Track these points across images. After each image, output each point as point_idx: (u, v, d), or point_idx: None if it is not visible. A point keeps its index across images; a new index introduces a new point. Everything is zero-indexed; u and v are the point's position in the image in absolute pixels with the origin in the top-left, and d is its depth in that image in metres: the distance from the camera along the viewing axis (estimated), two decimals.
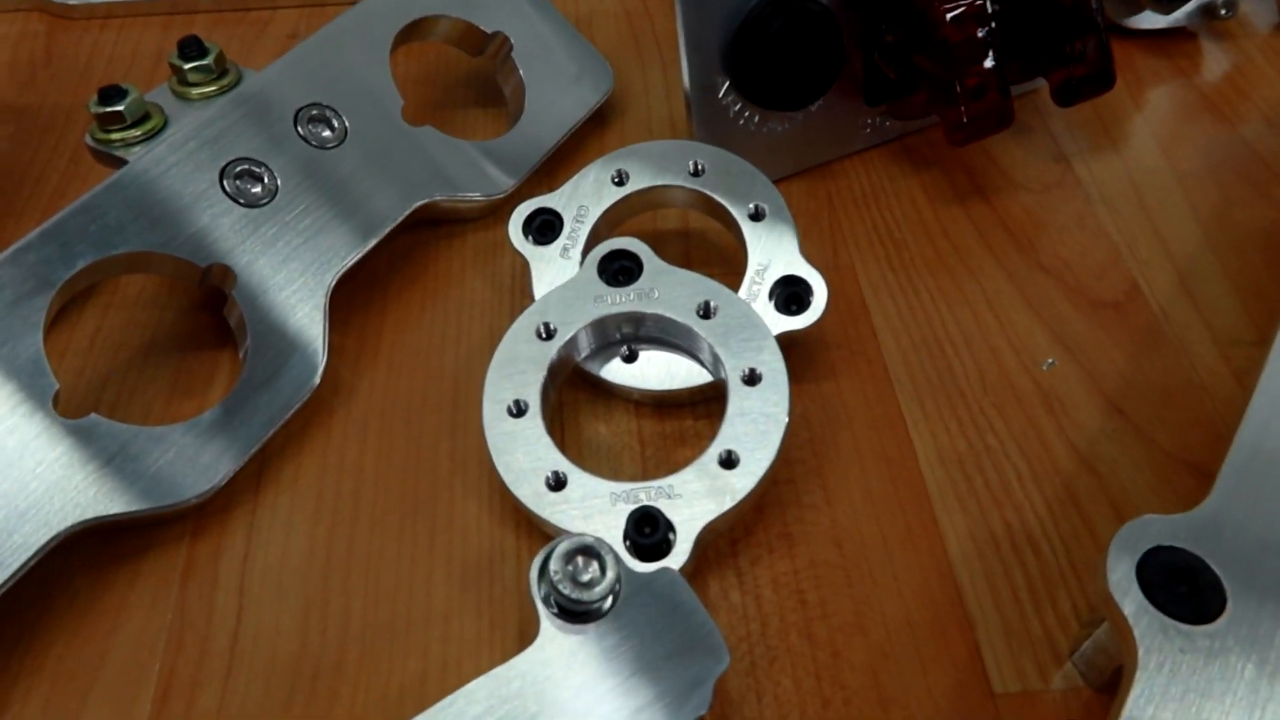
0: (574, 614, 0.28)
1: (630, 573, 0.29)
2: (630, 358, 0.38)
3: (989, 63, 0.43)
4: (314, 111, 0.42)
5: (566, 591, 0.27)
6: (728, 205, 0.40)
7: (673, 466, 0.35)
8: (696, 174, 0.40)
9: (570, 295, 0.37)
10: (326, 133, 0.42)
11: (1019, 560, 0.35)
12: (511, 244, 0.40)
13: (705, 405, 0.39)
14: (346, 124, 0.42)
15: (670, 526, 0.32)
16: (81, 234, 0.35)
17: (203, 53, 0.43)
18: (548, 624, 0.28)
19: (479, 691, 0.27)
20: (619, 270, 0.37)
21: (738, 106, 0.44)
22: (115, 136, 0.41)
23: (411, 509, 0.36)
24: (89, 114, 0.42)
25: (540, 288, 0.40)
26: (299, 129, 0.41)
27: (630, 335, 0.38)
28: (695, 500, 0.33)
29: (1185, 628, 0.27)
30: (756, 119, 0.45)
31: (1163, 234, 0.46)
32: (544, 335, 0.36)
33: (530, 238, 0.40)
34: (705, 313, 0.36)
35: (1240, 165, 0.49)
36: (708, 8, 0.42)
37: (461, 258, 0.45)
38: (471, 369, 0.40)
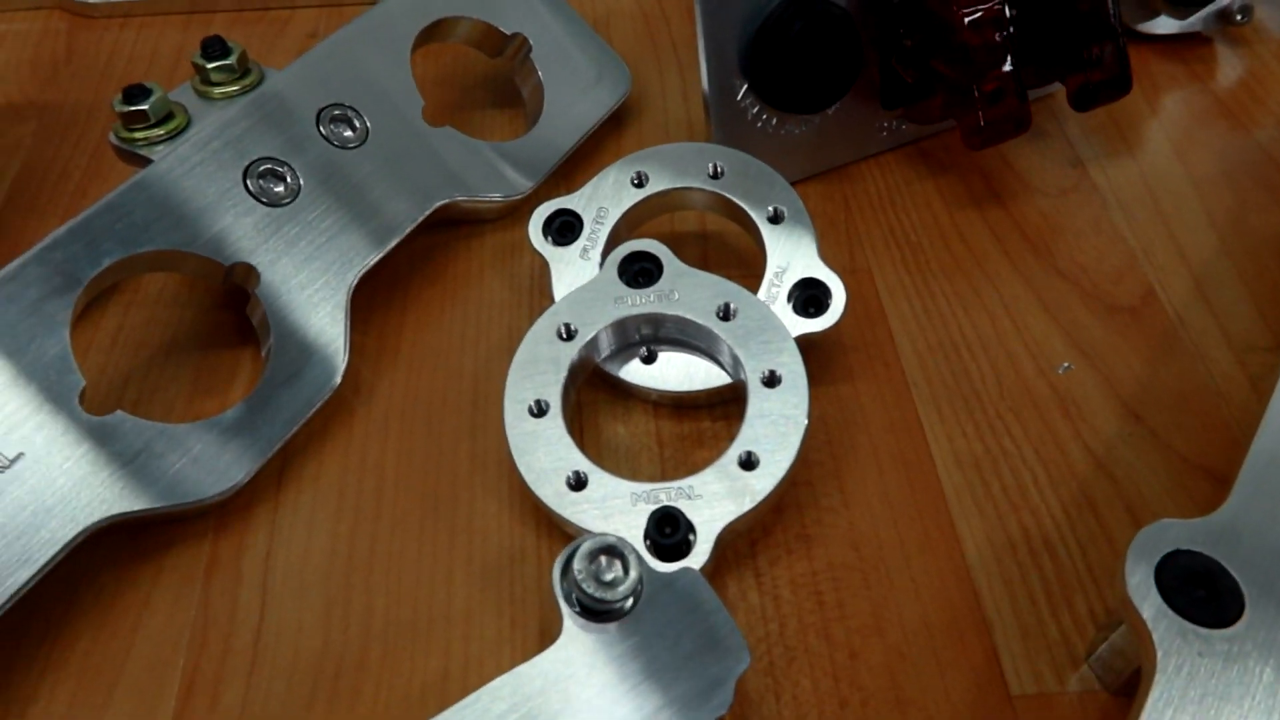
0: (596, 613, 0.28)
1: (652, 572, 0.29)
2: (649, 359, 0.38)
3: (1006, 67, 0.43)
4: (336, 112, 0.42)
5: (590, 590, 0.28)
6: (747, 208, 0.40)
7: (690, 467, 0.36)
8: (716, 176, 0.41)
9: (591, 296, 0.37)
10: (348, 133, 0.42)
11: (1035, 564, 0.35)
12: (531, 245, 0.41)
13: (723, 407, 0.39)
14: (368, 124, 0.43)
15: (691, 527, 0.32)
16: (108, 232, 0.36)
17: (226, 52, 0.43)
18: (570, 623, 0.28)
19: (503, 689, 0.27)
20: (639, 272, 0.37)
21: (755, 109, 0.45)
22: (139, 135, 0.41)
23: (432, 508, 0.36)
24: (111, 112, 0.42)
25: (560, 288, 0.40)
26: (321, 129, 0.42)
27: (650, 336, 0.38)
28: (715, 501, 0.33)
29: (1204, 631, 0.27)
30: (774, 121, 0.45)
31: (1178, 239, 0.46)
32: (565, 336, 0.36)
33: (550, 239, 0.41)
34: (725, 315, 0.36)
35: (1256, 170, 0.49)
36: (727, 11, 0.42)
37: (480, 258, 0.45)
38: (491, 369, 0.40)
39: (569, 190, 0.42)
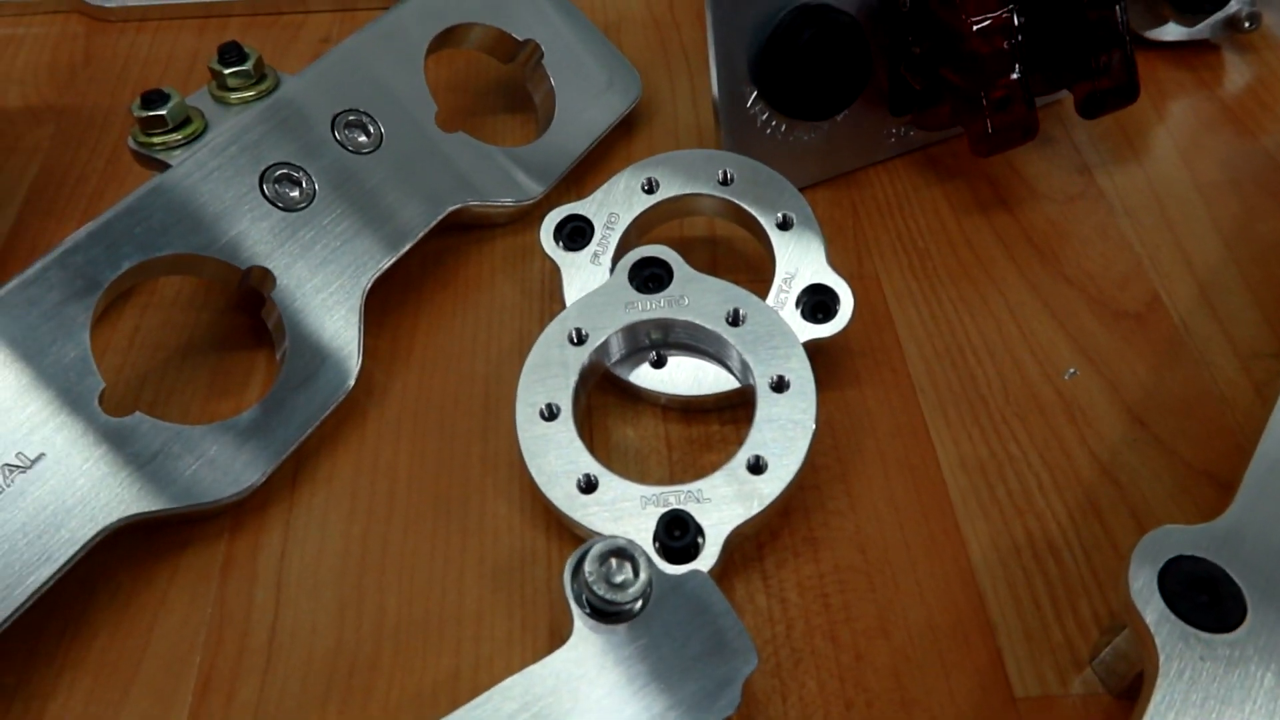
0: (606, 614, 0.29)
1: (661, 575, 0.29)
2: (659, 363, 0.39)
3: (1014, 75, 0.43)
4: (350, 117, 0.43)
5: (600, 592, 0.28)
6: (756, 214, 0.40)
7: (699, 471, 0.36)
8: (725, 183, 0.41)
9: (601, 301, 0.38)
10: (362, 138, 0.43)
11: (1040, 567, 0.35)
12: (543, 249, 0.41)
13: (731, 411, 0.39)
14: (381, 130, 0.43)
15: (699, 530, 0.33)
16: (127, 236, 0.36)
17: (242, 58, 0.44)
18: (580, 624, 0.29)
19: (514, 689, 0.27)
20: (649, 277, 0.38)
21: (765, 115, 0.45)
22: (157, 140, 0.41)
23: (444, 509, 0.37)
24: (128, 116, 0.42)
25: (571, 293, 0.40)
26: (336, 134, 0.42)
27: (659, 341, 0.38)
28: (724, 504, 0.33)
29: (1206, 636, 0.27)
30: (783, 128, 0.46)
31: (1184, 246, 0.46)
32: (575, 340, 0.37)
33: (561, 244, 0.41)
34: (734, 320, 0.37)
35: (1263, 177, 0.50)
36: (737, 18, 0.43)
37: (492, 263, 0.46)
38: (502, 372, 0.41)
39: (580, 195, 0.43)
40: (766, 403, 0.35)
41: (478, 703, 0.27)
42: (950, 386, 0.41)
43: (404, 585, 0.35)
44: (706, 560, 0.32)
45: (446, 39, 0.47)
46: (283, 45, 0.58)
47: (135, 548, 0.36)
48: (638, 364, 0.39)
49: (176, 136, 0.41)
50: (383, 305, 0.43)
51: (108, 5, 0.60)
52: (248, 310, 0.43)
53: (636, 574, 0.28)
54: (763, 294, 0.39)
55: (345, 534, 0.36)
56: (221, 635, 0.34)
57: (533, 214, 0.45)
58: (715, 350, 0.38)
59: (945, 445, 0.39)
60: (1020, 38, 0.43)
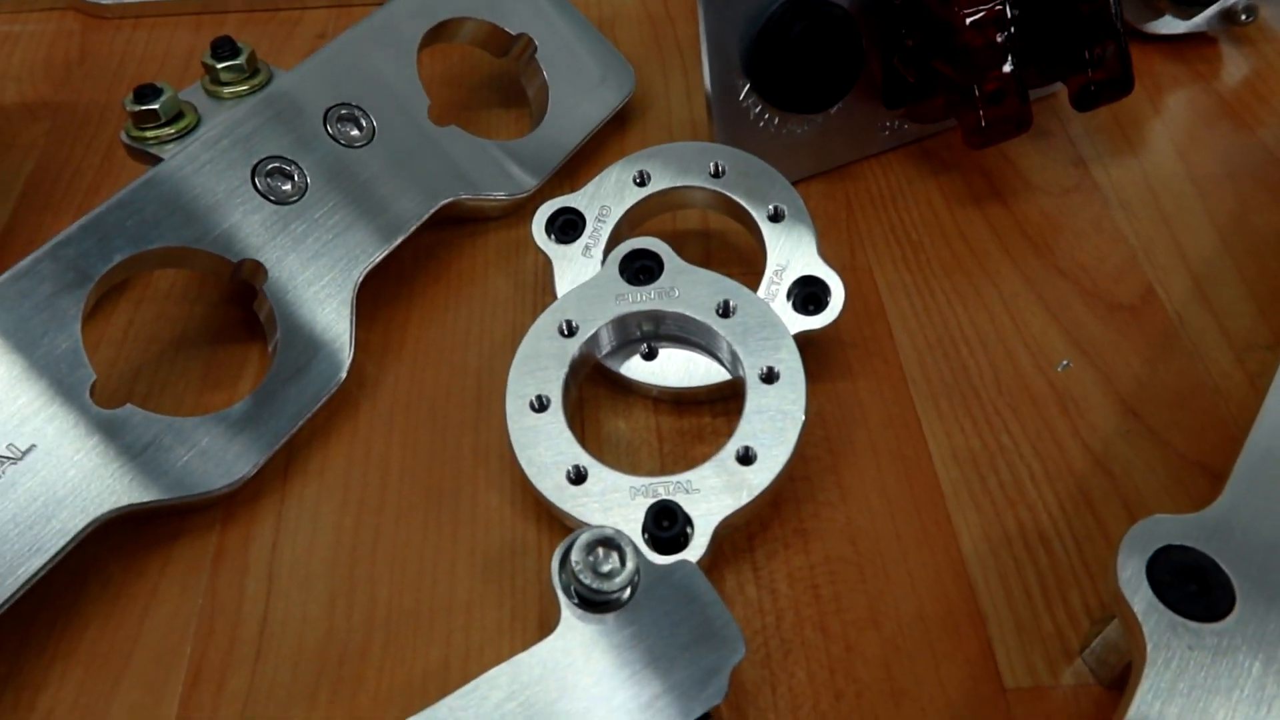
0: (594, 604, 0.29)
1: (649, 565, 0.29)
2: (650, 355, 0.39)
3: (1008, 68, 0.43)
4: (343, 111, 0.43)
5: (587, 581, 0.28)
6: (747, 206, 0.40)
7: (690, 462, 0.36)
8: (717, 175, 0.41)
9: (592, 293, 0.38)
10: (355, 132, 0.43)
11: (1031, 558, 0.35)
12: (535, 242, 0.41)
13: (723, 403, 0.39)
14: (374, 124, 0.43)
15: (688, 520, 0.33)
16: (119, 229, 0.36)
17: (235, 53, 0.44)
18: (568, 613, 0.29)
19: (501, 677, 0.28)
20: (640, 269, 0.38)
21: (758, 109, 0.45)
22: (150, 134, 0.42)
23: (435, 501, 0.37)
24: (123, 111, 0.43)
25: (562, 286, 0.40)
26: (328, 128, 0.42)
27: (650, 333, 0.38)
28: (713, 495, 0.33)
29: (1194, 625, 0.27)
30: (776, 121, 0.46)
31: (1179, 238, 0.46)
32: (566, 332, 0.37)
33: (553, 236, 0.41)
34: (724, 312, 0.37)
35: (1258, 170, 0.50)
36: (729, 11, 0.43)
37: (485, 256, 0.46)
38: (494, 364, 0.41)
39: (573, 189, 0.43)
40: (756, 394, 0.35)
41: (464, 691, 0.27)
42: (942, 378, 0.41)
43: (395, 576, 0.35)
44: (695, 551, 0.32)
45: (440, 33, 0.47)
46: (279, 41, 0.58)
47: (126, 539, 0.36)
48: (629, 356, 0.39)
49: (169, 130, 0.42)
50: (375, 298, 0.43)
51: (103, 2, 0.60)
52: (240, 303, 0.43)
53: (623, 563, 0.28)
54: (755, 286, 0.39)
55: (337, 525, 0.36)
56: (212, 626, 0.34)
57: (526, 207, 0.45)
58: (705, 342, 0.38)
59: (937, 436, 0.39)
60: (1013, 30, 0.43)
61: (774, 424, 0.34)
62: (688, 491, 0.33)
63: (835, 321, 0.39)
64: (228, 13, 0.60)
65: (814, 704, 0.32)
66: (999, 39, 0.43)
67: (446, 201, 0.43)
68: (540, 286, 0.44)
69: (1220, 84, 0.55)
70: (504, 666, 0.28)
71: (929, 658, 0.33)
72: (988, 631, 0.33)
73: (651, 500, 0.33)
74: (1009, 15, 0.43)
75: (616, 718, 0.27)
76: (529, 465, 0.35)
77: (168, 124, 0.42)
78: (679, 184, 0.41)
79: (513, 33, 0.49)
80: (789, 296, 0.39)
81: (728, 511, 0.33)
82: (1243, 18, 0.55)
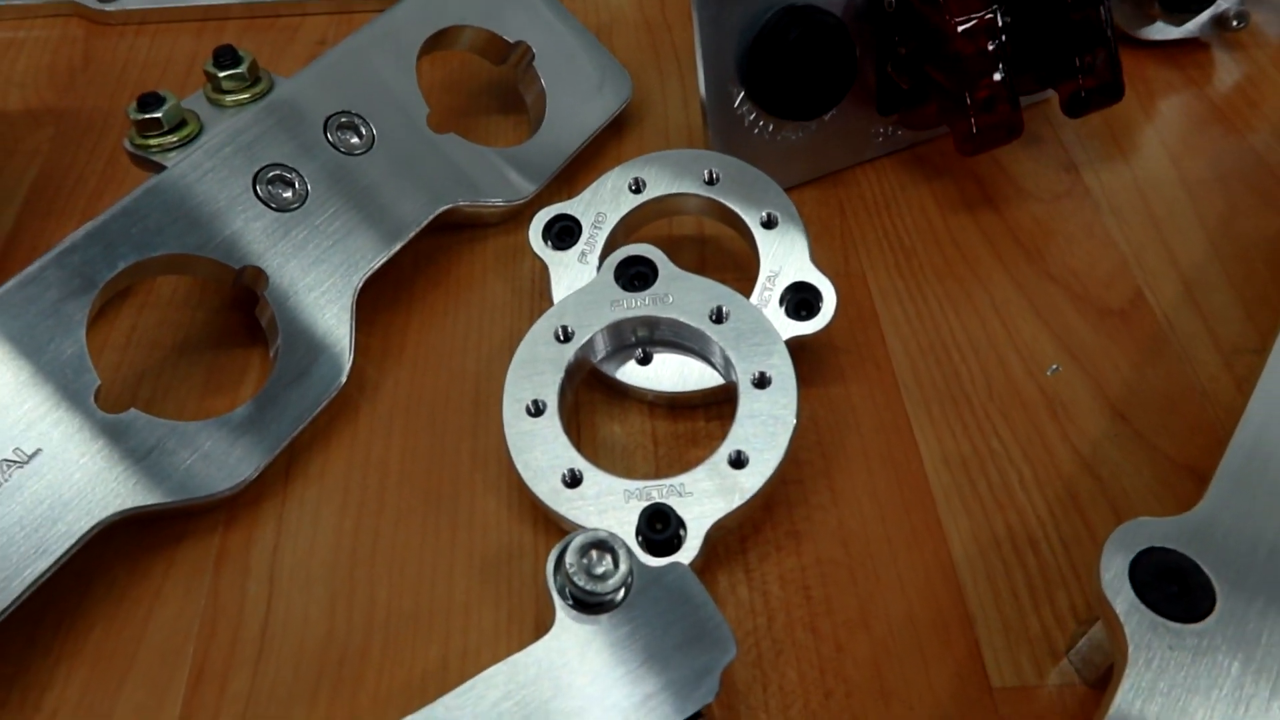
0: (588, 605, 0.29)
1: (642, 566, 0.30)
2: (645, 360, 0.39)
3: (998, 75, 0.44)
4: (343, 119, 0.43)
5: (581, 583, 0.29)
6: (740, 213, 0.41)
7: (684, 466, 0.37)
8: (711, 182, 0.42)
9: (588, 299, 0.38)
10: (355, 139, 0.43)
11: (1020, 561, 0.36)
12: (532, 249, 0.42)
13: (717, 407, 0.40)
14: (374, 131, 0.44)
15: (681, 523, 0.33)
16: (123, 236, 0.37)
17: (237, 61, 0.44)
18: (563, 614, 0.29)
19: (497, 677, 0.28)
20: (635, 276, 0.39)
21: (753, 115, 0.46)
22: (153, 142, 0.42)
23: (434, 504, 0.38)
24: (126, 118, 0.43)
25: (559, 291, 0.41)
26: (328, 136, 0.43)
27: (645, 338, 0.39)
28: (705, 498, 0.34)
29: (1175, 626, 0.28)
30: (771, 128, 0.46)
31: (1170, 244, 0.47)
32: (562, 338, 0.38)
33: (550, 243, 0.42)
34: (718, 317, 0.37)
35: (1248, 175, 0.50)
36: (724, 19, 0.43)
37: (483, 261, 0.46)
38: (492, 369, 0.41)
39: (571, 195, 0.43)
40: (748, 398, 0.35)
41: (462, 690, 0.28)
42: (934, 383, 0.41)
43: (394, 578, 0.36)
44: (688, 553, 0.33)
45: (439, 41, 0.48)
46: (280, 47, 0.59)
47: (131, 541, 0.36)
48: (624, 361, 0.39)
49: (172, 139, 0.42)
50: (375, 303, 0.44)
51: (107, 9, 0.60)
52: (242, 309, 0.43)
53: (617, 565, 0.29)
54: (748, 292, 0.39)
55: (337, 528, 0.37)
56: (215, 627, 0.34)
57: (524, 214, 0.46)
58: (699, 347, 0.38)
59: (928, 441, 0.39)
60: (1005, 38, 0.44)
61: (766, 428, 0.35)
62: (681, 495, 0.34)
63: (827, 327, 0.39)
64: (229, 19, 0.61)
65: (804, 703, 0.32)
66: (990, 47, 0.44)
67: (446, 208, 0.44)
68: (537, 292, 0.45)
69: (1212, 89, 0.55)
70: (500, 666, 0.28)
71: (918, 658, 0.33)
72: (976, 633, 0.34)
73: (645, 503, 0.34)
74: (1000, 23, 0.44)
75: (610, 716, 0.28)
76: (525, 469, 0.35)
77: (170, 132, 0.43)
78: (673, 191, 0.42)
79: (511, 40, 0.49)
80: (781, 302, 0.39)
81: (720, 514, 0.34)
82: (1234, 24, 0.56)
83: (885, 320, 0.43)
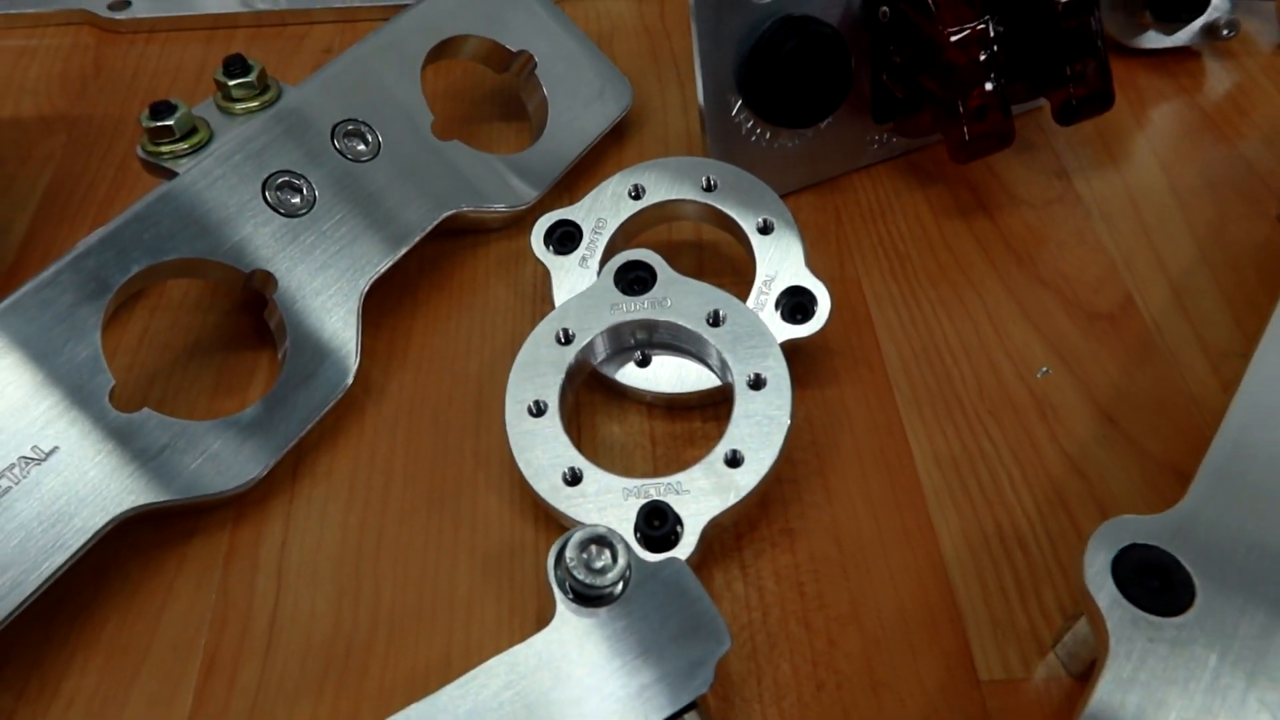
0: (587, 598, 0.30)
1: (640, 561, 0.31)
2: (644, 362, 0.40)
3: (990, 85, 0.45)
4: (349, 126, 0.44)
5: (581, 577, 0.30)
6: (737, 219, 0.42)
7: (682, 465, 0.38)
8: (709, 189, 0.43)
9: (588, 303, 0.39)
10: (361, 146, 0.45)
11: (1008, 558, 0.37)
12: (533, 253, 0.43)
13: (714, 408, 0.41)
14: (380, 138, 0.45)
15: (678, 520, 0.34)
16: (136, 241, 0.38)
17: (246, 70, 0.45)
18: (563, 607, 0.30)
19: (498, 667, 0.29)
20: (634, 280, 0.40)
21: (750, 123, 0.47)
22: (165, 149, 0.43)
23: (438, 502, 0.39)
24: (137, 125, 0.44)
25: (560, 295, 0.42)
26: (335, 143, 0.44)
27: (644, 341, 0.40)
28: (702, 496, 0.35)
29: (1155, 619, 0.29)
30: (768, 135, 0.47)
31: (1159, 249, 0.48)
32: (563, 340, 0.39)
33: (551, 248, 0.43)
34: (714, 321, 0.38)
35: (1238, 182, 0.51)
36: (722, 29, 0.44)
37: (486, 266, 0.47)
38: (495, 371, 0.42)
39: (571, 200, 0.45)
40: (744, 399, 0.36)
41: (464, 680, 0.29)
42: (926, 385, 0.42)
43: (399, 574, 0.37)
44: (685, 549, 0.34)
45: (443, 50, 0.49)
46: (287, 55, 0.60)
47: (144, 537, 0.37)
48: (624, 363, 0.40)
49: (183, 146, 0.43)
50: (380, 307, 0.45)
51: (118, 18, 0.62)
52: (251, 312, 0.44)
53: (615, 560, 0.30)
54: (744, 296, 0.40)
55: (343, 525, 0.38)
56: (225, 620, 0.35)
57: (526, 219, 0.47)
58: (696, 349, 0.39)
59: (920, 442, 0.40)
60: (996, 47, 0.45)
61: (761, 428, 0.36)
62: (678, 493, 0.35)
63: (822, 330, 0.40)
64: (237, 28, 0.62)
65: (797, 694, 0.33)
66: (982, 57, 0.45)
67: (450, 213, 0.45)
68: (539, 296, 0.46)
69: (1203, 97, 0.56)
70: (502, 657, 0.29)
71: (908, 652, 0.34)
72: (965, 628, 0.35)
73: (643, 501, 0.35)
74: (992, 34, 0.45)
75: (608, 706, 0.29)
76: (527, 467, 0.36)
77: (182, 139, 0.44)
78: (672, 197, 0.43)
79: (513, 49, 0.50)
80: (777, 306, 0.40)
81: (716, 511, 0.34)
82: (1225, 33, 0.57)
83: (879, 324, 0.44)
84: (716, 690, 0.33)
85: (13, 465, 0.34)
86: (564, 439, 0.36)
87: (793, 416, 0.36)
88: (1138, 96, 0.56)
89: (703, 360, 0.39)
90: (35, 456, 0.34)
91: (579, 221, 0.43)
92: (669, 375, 0.40)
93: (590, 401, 0.41)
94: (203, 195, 0.40)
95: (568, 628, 0.30)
